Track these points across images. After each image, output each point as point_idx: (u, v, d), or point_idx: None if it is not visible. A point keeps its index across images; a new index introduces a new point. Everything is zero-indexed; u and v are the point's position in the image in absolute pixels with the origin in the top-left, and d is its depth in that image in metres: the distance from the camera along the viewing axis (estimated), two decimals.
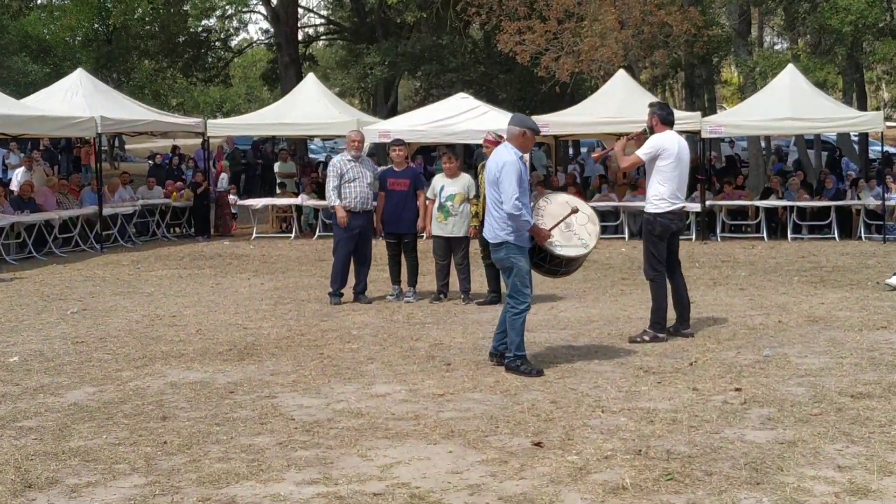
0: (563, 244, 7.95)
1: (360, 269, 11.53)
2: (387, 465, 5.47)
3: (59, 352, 8.78)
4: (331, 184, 11.32)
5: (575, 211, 8.05)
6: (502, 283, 11.17)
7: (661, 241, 8.87)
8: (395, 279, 11.71)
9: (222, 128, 22.33)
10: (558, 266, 8.12)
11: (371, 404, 6.79)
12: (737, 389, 7.03)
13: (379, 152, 23.33)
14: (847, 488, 4.98)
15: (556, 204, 8.11)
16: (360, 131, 12.37)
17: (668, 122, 8.93)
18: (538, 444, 5.78)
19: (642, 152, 8.83)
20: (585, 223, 8.13)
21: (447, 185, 11.34)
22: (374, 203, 11.58)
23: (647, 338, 8.79)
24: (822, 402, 6.66)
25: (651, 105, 9.31)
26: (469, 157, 28.43)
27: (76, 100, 19.08)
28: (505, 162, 7.56)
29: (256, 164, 28.69)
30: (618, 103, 19.63)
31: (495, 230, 7.67)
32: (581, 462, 5.46)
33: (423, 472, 5.33)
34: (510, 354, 7.65)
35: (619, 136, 25.21)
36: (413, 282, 11.61)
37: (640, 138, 9.06)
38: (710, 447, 5.70)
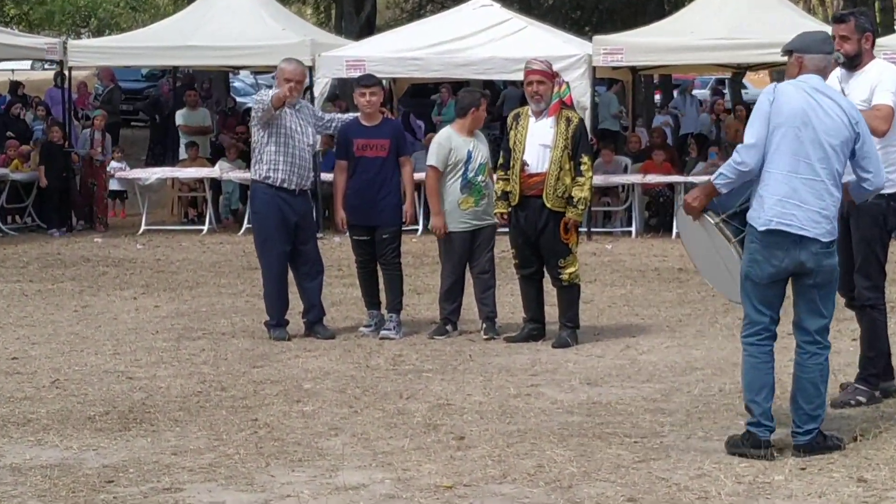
0: None
1: (305, 281, 11.53)
2: None
3: None
4: (260, 109, 11.28)
5: None
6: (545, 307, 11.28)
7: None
8: (372, 301, 11.72)
9: (91, 53, 22.33)
10: None
11: (336, 502, 6.80)
12: None
13: (346, 94, 23.34)
14: None
15: None
16: (301, 63, 12.08)
17: None
18: None
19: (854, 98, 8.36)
20: None
21: (474, 151, 11.31)
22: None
23: (862, 398, 8.71)
24: None
25: (851, 12, 9.19)
26: (491, 103, 28.52)
27: None
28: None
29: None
30: (733, 17, 19.56)
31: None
32: None
33: None
34: (813, 426, 7.61)
35: (738, 68, 25.42)
36: (396, 305, 11.60)
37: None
38: None
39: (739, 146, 7.39)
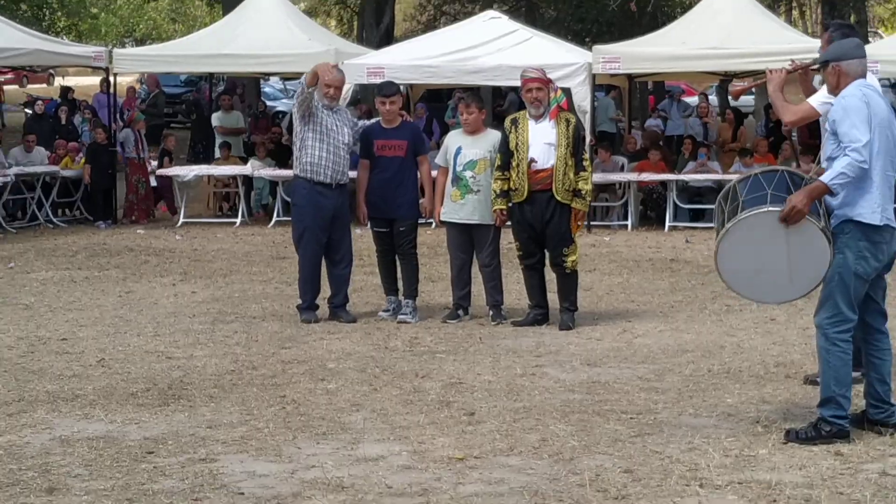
0: None
1: (336, 269, 11.53)
2: None
3: None
4: (298, 108, 11.26)
5: None
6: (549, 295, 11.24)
7: None
8: (390, 287, 11.70)
9: (134, 60, 22.32)
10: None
11: (357, 472, 6.78)
12: None
13: (367, 97, 23.31)
14: None
15: None
16: (342, 72, 12.02)
17: None
18: None
19: (817, 100, 8.22)
20: None
21: (465, 147, 11.30)
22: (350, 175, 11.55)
23: None
24: None
25: (829, 25, 9.12)
26: (499, 105, 28.46)
27: None
28: None
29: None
30: (722, 28, 19.52)
31: None
32: None
33: None
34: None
35: (724, 76, 25.37)
36: (412, 292, 11.58)
37: (809, 74, 8.80)
38: None
39: (856, 146, 7.00)
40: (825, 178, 7.13)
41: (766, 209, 7.29)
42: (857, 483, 6.52)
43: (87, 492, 6.49)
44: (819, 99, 8.20)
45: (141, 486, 6.59)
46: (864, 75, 7.42)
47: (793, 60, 8.84)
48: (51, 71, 41.65)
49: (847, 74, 7.34)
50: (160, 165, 21.57)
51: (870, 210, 7.16)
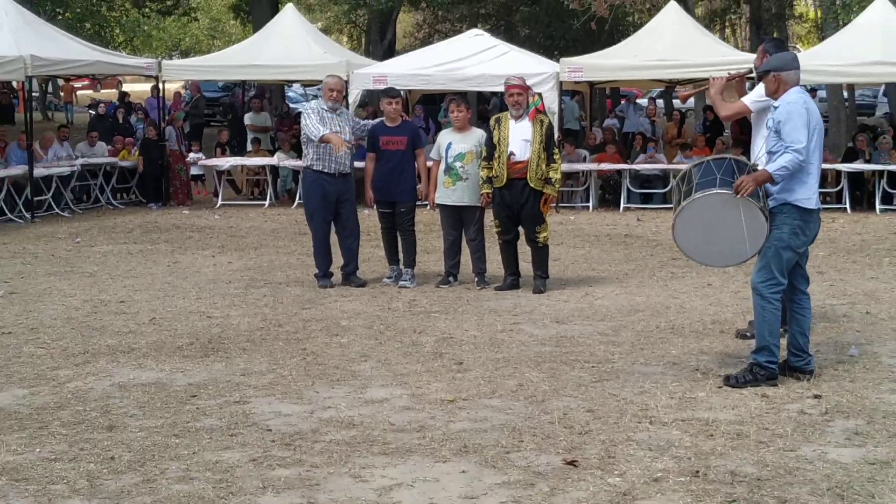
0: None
1: (345, 242, 11.49)
2: (385, 487, 5.44)
3: None
4: (312, 120, 11.12)
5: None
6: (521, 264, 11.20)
7: None
8: (393, 258, 11.67)
9: (180, 70, 22.23)
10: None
11: (365, 412, 6.76)
12: (816, 396, 6.98)
13: (373, 101, 23.21)
14: None
15: None
16: (341, 78, 12.19)
17: None
18: (572, 464, 5.74)
19: (750, 99, 8.46)
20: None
21: (455, 142, 11.27)
22: (351, 165, 11.45)
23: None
24: None
25: (764, 40, 9.15)
26: (485, 107, 28.37)
27: (0, 35, 18.87)
28: None
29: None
30: (667, 43, 19.47)
31: None
32: (625, 486, 5.42)
33: (430, 497, 5.29)
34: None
35: (669, 83, 25.32)
36: (410, 262, 11.56)
37: (743, 81, 8.88)
38: (784, 468, 5.65)
39: (798, 146, 7.09)
40: (770, 168, 7.23)
41: (715, 191, 7.34)
42: (780, 420, 6.51)
43: (141, 429, 6.46)
44: (751, 98, 8.52)
45: (186, 424, 6.56)
46: (798, 83, 7.48)
47: (730, 71, 9.01)
48: (119, 79, 41.57)
49: (786, 82, 7.40)
50: (214, 155, 21.55)
51: (806, 196, 7.29)
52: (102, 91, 44.47)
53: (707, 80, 8.59)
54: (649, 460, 5.79)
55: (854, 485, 5.39)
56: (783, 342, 7.52)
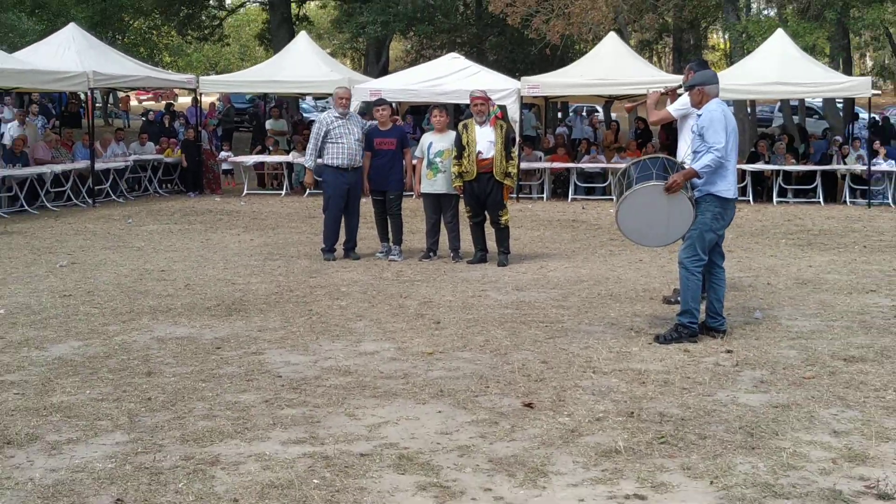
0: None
1: (350, 224, 11.34)
2: (374, 424, 5.24)
3: (46, 305, 8.50)
4: (311, 142, 11.14)
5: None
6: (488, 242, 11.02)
7: None
8: (383, 237, 11.48)
9: (214, 85, 21.93)
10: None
11: (359, 362, 6.56)
12: (728, 351, 6.83)
13: (370, 111, 22.93)
14: (844, 454, 4.77)
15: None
16: (348, 88, 12.05)
17: None
18: (529, 406, 5.56)
19: (673, 108, 8.48)
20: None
21: (435, 142, 11.09)
22: (361, 160, 11.29)
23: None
24: (814, 366, 6.45)
25: (690, 62, 9.08)
26: (460, 117, 28.12)
27: (68, 54, 18.60)
28: None
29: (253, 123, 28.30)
30: (607, 66, 19.34)
31: None
32: (573, 424, 5.24)
33: (412, 433, 5.11)
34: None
35: (609, 98, 25.15)
36: (398, 240, 11.38)
37: (674, 95, 8.78)
38: (704, 410, 5.48)
39: (719, 146, 6.93)
40: (696, 165, 7.10)
41: (651, 184, 7.18)
42: (700, 370, 6.34)
43: (174, 375, 6.25)
44: (674, 107, 8.57)
45: (211, 371, 6.35)
46: (718, 95, 7.36)
47: (666, 86, 9.15)
48: (175, 92, 41.46)
49: (708, 94, 7.29)
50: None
51: (726, 188, 7.16)
52: (162, 101, 44.40)
53: (644, 95, 8.68)
54: (592, 403, 5.61)
55: (761, 424, 5.23)
56: (702, 307, 7.36)
